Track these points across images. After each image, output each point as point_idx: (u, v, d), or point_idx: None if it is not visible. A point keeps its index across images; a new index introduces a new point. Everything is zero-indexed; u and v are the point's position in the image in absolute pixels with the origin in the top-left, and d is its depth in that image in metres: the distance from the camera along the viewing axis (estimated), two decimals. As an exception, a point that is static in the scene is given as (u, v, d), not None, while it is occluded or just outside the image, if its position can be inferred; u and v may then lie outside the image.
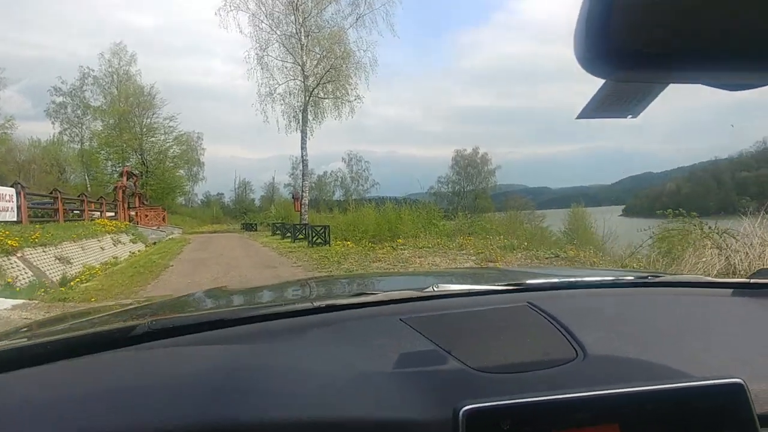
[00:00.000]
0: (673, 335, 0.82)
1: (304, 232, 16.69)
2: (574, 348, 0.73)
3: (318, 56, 18.22)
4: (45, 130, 48.32)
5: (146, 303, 1.85)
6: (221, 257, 12.55)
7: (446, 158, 54.28)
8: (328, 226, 14.63)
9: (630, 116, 0.50)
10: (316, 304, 0.91)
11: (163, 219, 27.72)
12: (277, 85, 19.23)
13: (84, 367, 0.71)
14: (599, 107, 0.49)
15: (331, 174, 58.40)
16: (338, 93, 18.74)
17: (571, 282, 1.20)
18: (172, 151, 38.68)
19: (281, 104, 19.52)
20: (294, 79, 18.97)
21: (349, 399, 0.62)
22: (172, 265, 10.78)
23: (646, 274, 1.25)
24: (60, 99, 37.98)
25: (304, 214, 18.68)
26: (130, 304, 1.87)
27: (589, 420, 0.53)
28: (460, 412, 0.51)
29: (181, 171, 42.71)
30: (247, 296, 1.64)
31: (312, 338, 0.79)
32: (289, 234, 18.28)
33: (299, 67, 18.33)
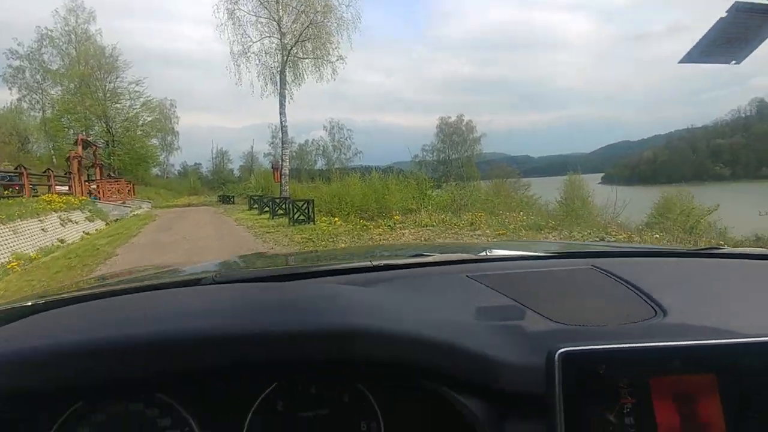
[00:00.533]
0: (754, 299, 0.79)
1: (284, 207, 14.60)
2: (652, 307, 0.71)
3: (295, 11, 16.45)
4: (2, 97, 45.17)
5: (205, 261, 2.06)
6: (184, 241, 10.29)
7: (429, 127, 53.42)
8: (312, 200, 12.68)
9: (734, 62, 0.37)
10: (376, 263, 0.90)
11: (131, 192, 25.93)
12: (251, 43, 17.42)
13: (161, 297, 0.72)
14: (705, 51, 0.38)
15: (312, 143, 56.70)
16: (319, 53, 17.01)
17: (632, 250, 1.24)
18: (141, 118, 36.24)
19: (256, 64, 17.77)
20: (270, 37, 17.17)
21: (434, 335, 0.57)
22: (118, 254, 8.64)
23: (705, 247, 1.22)
24: (17, 63, 35.23)
25: (285, 185, 17.36)
26: (176, 266, 1.78)
27: (685, 369, 0.52)
28: (556, 355, 0.51)
29: (154, 140, 40.56)
30: (299, 258, 1.67)
31: (377, 291, 0.75)
32: (267, 209, 16.21)
33: (275, 23, 16.57)
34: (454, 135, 50.15)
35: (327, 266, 0.97)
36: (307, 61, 17.40)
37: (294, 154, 55.30)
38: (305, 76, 17.81)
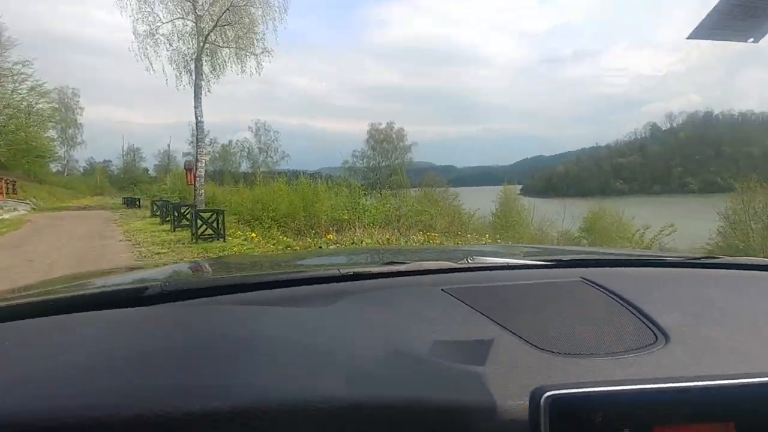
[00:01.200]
0: (762, 320, 0.71)
1: (189, 217, 11.18)
2: (651, 330, 0.64)
3: None
4: None
5: (154, 268, 1.80)
6: (30, 266, 7.25)
7: (359, 133, 52.52)
8: (222, 211, 10.10)
9: (751, 40, 0.41)
10: (344, 271, 0.83)
11: (11, 191, 21.99)
12: (160, 24, 15.12)
13: (88, 323, 0.64)
14: (716, 26, 0.40)
15: (237, 144, 53.28)
16: (241, 42, 15.20)
17: (622, 258, 1.13)
18: (31, 105, 31.28)
19: (167, 49, 15.48)
20: (183, 18, 15.02)
21: (391, 375, 0.52)
22: None
23: (698, 255, 1.14)
24: None
25: (199, 188, 15.26)
26: (137, 269, 1.72)
27: (699, 416, 0.44)
28: (542, 399, 0.43)
29: (52, 132, 35.48)
30: (265, 264, 1.52)
31: (343, 306, 0.70)
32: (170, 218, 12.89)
33: (189, 3, 14.57)
34: (384, 142, 49.76)
35: (288, 274, 0.87)
36: (227, 50, 15.49)
37: (217, 155, 51.85)
38: (225, 68, 15.83)
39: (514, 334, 0.61)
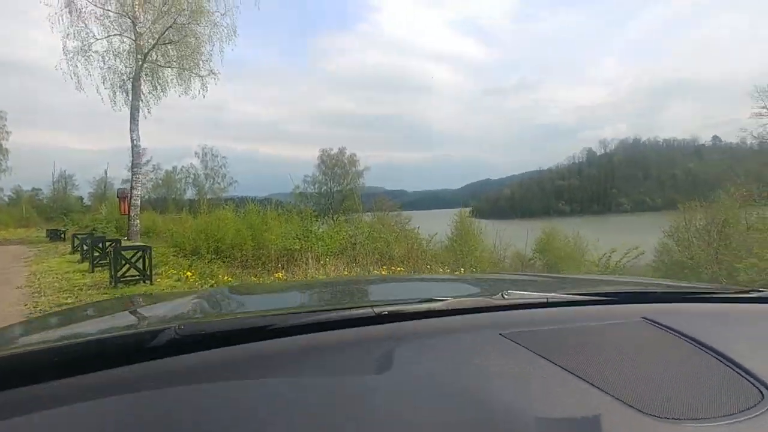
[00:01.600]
0: None
1: (112, 255, 8.18)
2: (753, 384, 0.54)
3: (156, 9, 13.56)
4: None
5: (155, 297, 1.65)
6: None
7: (311, 159, 51.62)
8: (149, 248, 8.07)
9: None
10: (378, 310, 0.74)
11: None
12: (93, 40, 13.89)
13: (86, 391, 0.52)
14: None
15: (182, 170, 50.80)
16: (186, 63, 14.39)
17: (671, 291, 1.05)
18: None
19: (101, 67, 14.26)
20: (120, 35, 13.95)
21: None
22: None
23: (750, 288, 1.05)
24: None
25: (134, 218, 13.97)
26: (135, 298, 1.59)
27: None
28: None
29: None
30: (285, 295, 1.37)
31: (385, 355, 0.61)
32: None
33: (129, 20, 13.58)
34: (336, 167, 49.30)
35: (319, 315, 0.74)
36: (169, 70, 14.57)
37: (160, 181, 49.10)
38: (167, 89, 14.86)
39: (598, 387, 0.53)
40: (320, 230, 11.41)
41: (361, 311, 0.74)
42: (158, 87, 14.78)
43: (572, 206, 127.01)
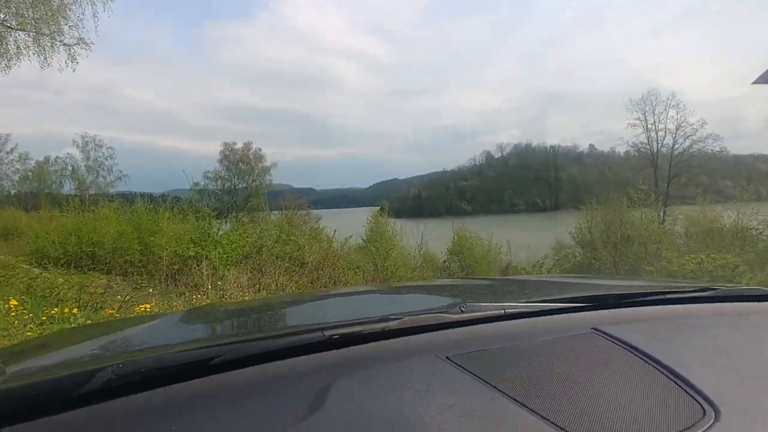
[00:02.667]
0: None
1: None
2: (696, 400, 0.55)
3: None
4: None
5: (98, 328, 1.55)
6: None
7: (214, 154, 47.76)
8: None
9: None
10: (329, 333, 0.72)
11: None
12: None
13: None
14: None
15: (57, 161, 43.82)
16: (46, 27, 11.82)
17: (630, 294, 1.04)
18: None
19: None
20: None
21: None
22: None
23: (702, 286, 1.08)
24: None
25: (-21, 217, 11.19)
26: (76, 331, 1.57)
27: None
28: None
29: None
30: (243, 314, 1.31)
31: (335, 386, 0.60)
32: None
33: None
34: (240, 163, 46.23)
35: (267, 342, 0.71)
36: (23, 35, 11.78)
37: (30, 174, 41.83)
38: (20, 55, 11.95)
39: (539, 414, 0.53)
40: (220, 232, 9.95)
41: (311, 336, 0.72)
42: (5, 54, 11.89)
43: (474, 206, 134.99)
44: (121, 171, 43.52)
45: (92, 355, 0.93)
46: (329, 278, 7.33)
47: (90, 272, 10.55)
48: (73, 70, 12.74)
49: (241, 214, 17.06)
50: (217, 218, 12.50)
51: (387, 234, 12.57)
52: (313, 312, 1.34)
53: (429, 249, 14.48)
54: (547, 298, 0.96)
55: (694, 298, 1.02)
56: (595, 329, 0.75)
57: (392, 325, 0.76)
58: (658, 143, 27.97)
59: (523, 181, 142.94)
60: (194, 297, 6.49)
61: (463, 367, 0.64)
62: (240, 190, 45.14)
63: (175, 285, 7.87)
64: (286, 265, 8.07)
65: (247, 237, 9.21)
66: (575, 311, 0.88)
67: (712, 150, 26.22)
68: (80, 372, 0.63)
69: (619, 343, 0.70)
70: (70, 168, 43.04)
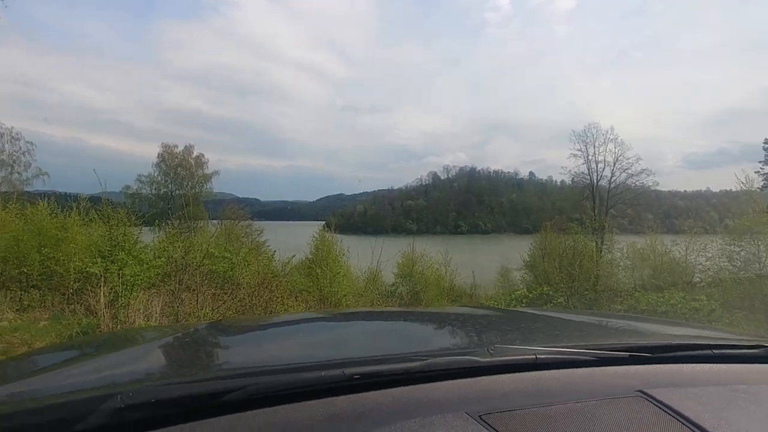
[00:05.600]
0: None
1: None
2: None
3: None
4: None
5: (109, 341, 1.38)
6: None
7: (152, 157, 44.28)
8: None
9: None
10: (350, 372, 0.68)
11: None
12: None
13: None
14: None
15: (-41, 153, 38.49)
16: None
17: (685, 346, 0.95)
18: None
19: None
20: None
21: None
22: None
23: (751, 341, 1.02)
24: None
25: None
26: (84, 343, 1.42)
27: None
28: None
29: None
30: (253, 343, 1.19)
31: None
32: None
33: None
34: (179, 168, 43.32)
35: (286, 376, 0.68)
36: None
37: None
38: None
39: None
40: (142, 244, 8.42)
41: (331, 374, 0.67)
42: None
43: (419, 225, 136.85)
44: (40, 168, 39.02)
45: (80, 381, 0.80)
46: (265, 307, 6.25)
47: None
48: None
49: (176, 222, 15.38)
50: (147, 225, 10.87)
51: (333, 254, 11.61)
52: (326, 339, 1.20)
53: (372, 269, 13.61)
54: (581, 344, 0.87)
55: (753, 356, 0.96)
56: (642, 392, 0.70)
57: (415, 366, 0.71)
58: (597, 174, 29.32)
59: (467, 203, 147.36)
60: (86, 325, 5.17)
61: (497, 431, 0.58)
62: (177, 197, 42.12)
63: (73, 309, 6.44)
64: (213, 290, 6.84)
65: (172, 251, 7.86)
66: (615, 364, 0.81)
67: (644, 185, 27.90)
68: (80, 400, 0.57)
69: (670, 412, 0.64)
70: (-26, 161, 38.10)
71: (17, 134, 38.90)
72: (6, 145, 38.68)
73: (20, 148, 38.93)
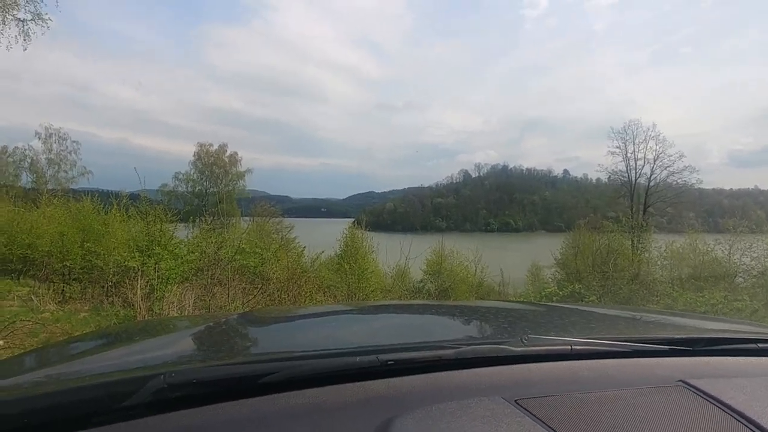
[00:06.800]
0: None
1: None
2: None
3: None
4: None
5: (154, 323, 1.59)
6: None
7: (189, 155, 45.51)
8: None
9: None
10: (383, 358, 0.68)
11: None
12: None
13: None
14: None
15: (15, 151, 40.86)
16: (-7, -2, 10.51)
17: (726, 340, 0.92)
18: None
19: None
20: None
21: None
22: None
23: None
24: None
25: None
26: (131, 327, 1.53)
27: None
28: None
29: None
30: (288, 330, 1.22)
31: (386, 423, 0.55)
32: None
33: None
34: (214, 166, 44.51)
35: (320, 362, 0.68)
36: None
37: (-18, 164, 38.91)
38: None
39: None
40: (177, 239, 8.73)
41: (365, 359, 0.68)
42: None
43: (448, 223, 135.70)
44: (84, 167, 40.99)
45: (124, 362, 0.83)
46: (294, 301, 6.38)
47: (22, 278, 9.27)
48: (25, 49, 11.50)
49: (210, 218, 15.83)
50: (182, 221, 11.23)
51: (362, 250, 11.67)
52: (359, 329, 1.23)
53: (401, 265, 13.59)
54: (619, 336, 0.87)
55: None
56: (683, 382, 0.67)
57: (449, 354, 0.72)
58: (636, 172, 28.18)
59: (497, 201, 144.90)
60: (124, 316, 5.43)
61: (535, 416, 0.57)
62: (211, 194, 43.35)
63: (111, 301, 6.74)
64: (243, 285, 7.01)
65: (205, 246, 8.11)
66: (654, 355, 0.78)
67: (686, 182, 26.61)
68: (126, 379, 0.59)
69: (714, 402, 0.62)
70: (29, 160, 40.34)
71: (64, 134, 40.96)
72: (54, 145, 40.83)
73: (67, 147, 41.06)
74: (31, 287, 7.85)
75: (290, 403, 0.60)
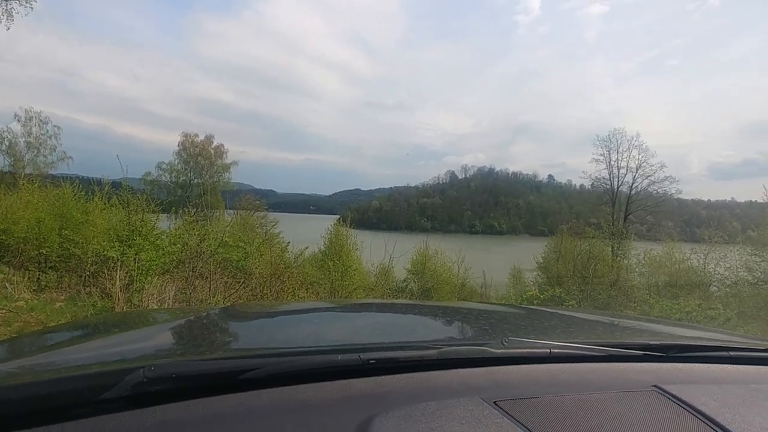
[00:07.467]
0: None
1: None
2: None
3: None
4: None
5: (126, 318, 1.53)
6: None
7: (174, 146, 44.78)
8: None
9: None
10: (365, 357, 0.68)
11: None
12: None
13: None
14: None
15: (-7, 134, 39.52)
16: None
17: (702, 347, 0.94)
18: None
19: None
20: None
21: None
22: None
23: (763, 341, 1.05)
24: None
25: None
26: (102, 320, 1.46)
27: None
28: None
29: None
30: (268, 325, 1.22)
31: (368, 420, 0.55)
32: None
33: None
34: (199, 157, 43.91)
35: (302, 359, 0.68)
36: None
37: (-49, 146, 37.66)
38: None
39: None
40: (159, 230, 8.53)
41: (347, 357, 0.68)
42: None
43: (433, 223, 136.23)
44: (65, 152, 39.95)
45: (102, 355, 0.82)
46: (276, 297, 6.34)
47: (-4, 265, 9.00)
48: (8, 29, 11.22)
49: (193, 210, 15.64)
50: (164, 212, 11.00)
51: (346, 248, 11.64)
52: (342, 327, 1.22)
53: (385, 264, 13.61)
54: (597, 341, 0.86)
55: (764, 359, 0.94)
56: (657, 387, 0.69)
57: (430, 354, 0.72)
58: (618, 180, 28.72)
59: (483, 203, 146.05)
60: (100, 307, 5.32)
61: (513, 417, 0.58)
62: (195, 185, 42.73)
63: (89, 291, 6.60)
64: (226, 279, 6.94)
65: (188, 238, 7.98)
66: (630, 360, 0.81)
67: (666, 192, 27.25)
68: (104, 372, 0.59)
69: (686, 407, 0.63)
70: (6, 143, 39.15)
71: (45, 118, 39.86)
72: (34, 128, 39.73)
73: (47, 131, 39.93)
74: (5, 274, 7.63)
75: (272, 399, 0.61)
